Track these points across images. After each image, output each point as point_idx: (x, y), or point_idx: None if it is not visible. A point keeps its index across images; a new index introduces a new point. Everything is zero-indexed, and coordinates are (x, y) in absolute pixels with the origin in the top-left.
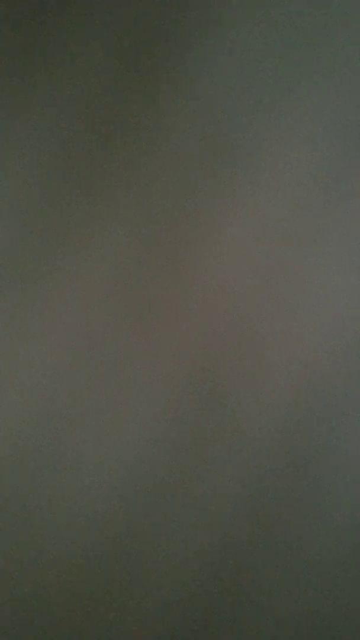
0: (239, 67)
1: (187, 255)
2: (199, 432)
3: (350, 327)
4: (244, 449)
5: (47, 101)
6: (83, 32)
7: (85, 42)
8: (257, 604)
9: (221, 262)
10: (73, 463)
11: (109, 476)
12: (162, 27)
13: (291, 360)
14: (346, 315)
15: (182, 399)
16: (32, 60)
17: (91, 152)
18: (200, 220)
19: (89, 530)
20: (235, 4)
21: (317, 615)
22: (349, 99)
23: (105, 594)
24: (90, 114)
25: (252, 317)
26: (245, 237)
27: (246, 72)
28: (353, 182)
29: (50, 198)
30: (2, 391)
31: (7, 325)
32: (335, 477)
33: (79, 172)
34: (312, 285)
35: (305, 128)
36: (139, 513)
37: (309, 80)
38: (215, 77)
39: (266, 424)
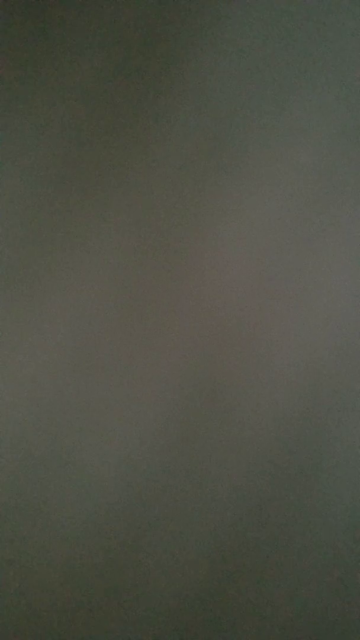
0: (240, 67)
1: (186, 256)
2: (199, 432)
3: (350, 327)
4: (244, 449)
5: (47, 103)
6: (83, 33)
7: (85, 43)
8: (257, 605)
9: (221, 264)
10: (73, 463)
11: (108, 477)
12: (162, 26)
13: (292, 360)
14: (347, 315)
15: (182, 399)
16: (33, 61)
17: (91, 153)
18: (200, 222)
19: (88, 531)
20: (236, 4)
21: (318, 616)
22: (351, 98)
23: (105, 593)
24: (90, 115)
25: (252, 318)
26: (246, 238)
27: (247, 73)
28: (354, 181)
29: (50, 199)
30: (2, 392)
31: (6, 326)
32: (336, 477)
33: (79, 173)
34: (313, 285)
35: (307, 128)
36: (139, 513)
37: (309, 82)
38: (216, 78)
39: (266, 424)
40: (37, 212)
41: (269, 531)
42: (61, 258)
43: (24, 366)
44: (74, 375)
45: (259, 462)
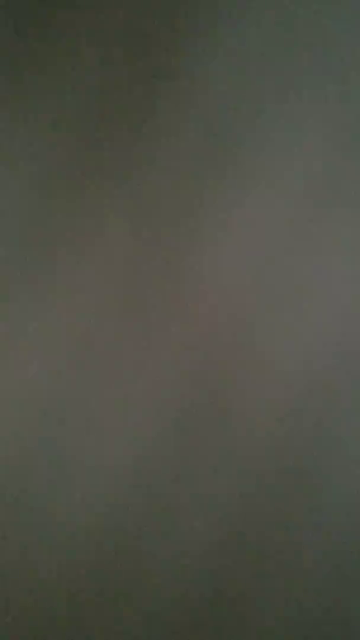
0: (240, 66)
1: (186, 257)
2: (199, 433)
3: (350, 329)
4: (244, 451)
5: (47, 106)
6: (83, 33)
7: (85, 43)
8: (257, 607)
9: (220, 265)
10: (72, 465)
11: (107, 478)
12: (161, 25)
13: (291, 362)
14: (346, 318)
15: (181, 400)
16: (32, 62)
17: (90, 153)
18: (199, 223)
19: (88, 532)
20: (235, 5)
21: (318, 617)
22: (351, 98)
23: (104, 596)
24: (89, 116)
25: (251, 320)
26: (245, 239)
27: (246, 73)
28: (355, 183)
29: (49, 198)
30: (2, 392)
31: (5, 327)
32: (336, 478)
33: (78, 173)
34: (312, 287)
35: (307, 128)
36: (138, 515)
37: (310, 82)
38: (214, 78)
39: (266, 425)
40: (37, 214)
41: (269, 535)
42: (61, 259)
43: (22, 370)
44: (72, 378)
45: (259, 462)
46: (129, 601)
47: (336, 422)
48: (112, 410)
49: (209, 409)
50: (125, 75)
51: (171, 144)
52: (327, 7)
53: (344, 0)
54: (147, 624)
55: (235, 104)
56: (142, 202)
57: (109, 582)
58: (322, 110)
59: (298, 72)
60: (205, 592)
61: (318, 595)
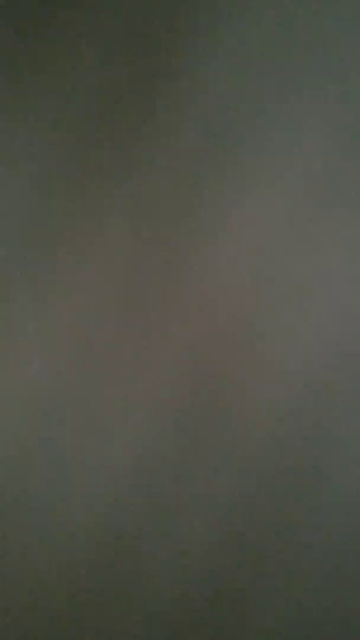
0: (240, 66)
1: (186, 257)
2: (199, 433)
3: (350, 329)
4: (244, 451)
5: (47, 106)
6: (83, 34)
7: (83, 41)
8: (257, 607)
9: (221, 266)
10: (72, 465)
11: (107, 478)
12: (161, 25)
13: (291, 362)
14: (346, 317)
15: (181, 400)
16: (29, 61)
17: (90, 153)
18: (199, 223)
19: (88, 532)
20: (235, 5)
21: (318, 617)
22: (351, 97)
23: (104, 596)
24: (88, 114)
25: (252, 319)
26: (245, 240)
27: (246, 73)
28: (355, 182)
29: (49, 198)
30: (2, 392)
31: (5, 327)
32: (336, 478)
33: (78, 173)
34: (313, 287)
35: (307, 127)
36: (138, 515)
37: (310, 82)
38: (214, 78)
39: (266, 425)
40: (37, 214)
41: (270, 535)
42: (61, 259)
43: (22, 370)
44: (72, 378)
45: (259, 462)
46: (129, 601)
47: (336, 422)
48: (112, 410)
49: (209, 409)
50: (125, 75)
51: (171, 144)
52: (327, 7)
53: (344, 0)
54: (147, 624)
55: (235, 104)
56: (142, 202)
57: (109, 582)
58: (322, 110)
59: (298, 72)
60: (205, 592)
61: (318, 595)
